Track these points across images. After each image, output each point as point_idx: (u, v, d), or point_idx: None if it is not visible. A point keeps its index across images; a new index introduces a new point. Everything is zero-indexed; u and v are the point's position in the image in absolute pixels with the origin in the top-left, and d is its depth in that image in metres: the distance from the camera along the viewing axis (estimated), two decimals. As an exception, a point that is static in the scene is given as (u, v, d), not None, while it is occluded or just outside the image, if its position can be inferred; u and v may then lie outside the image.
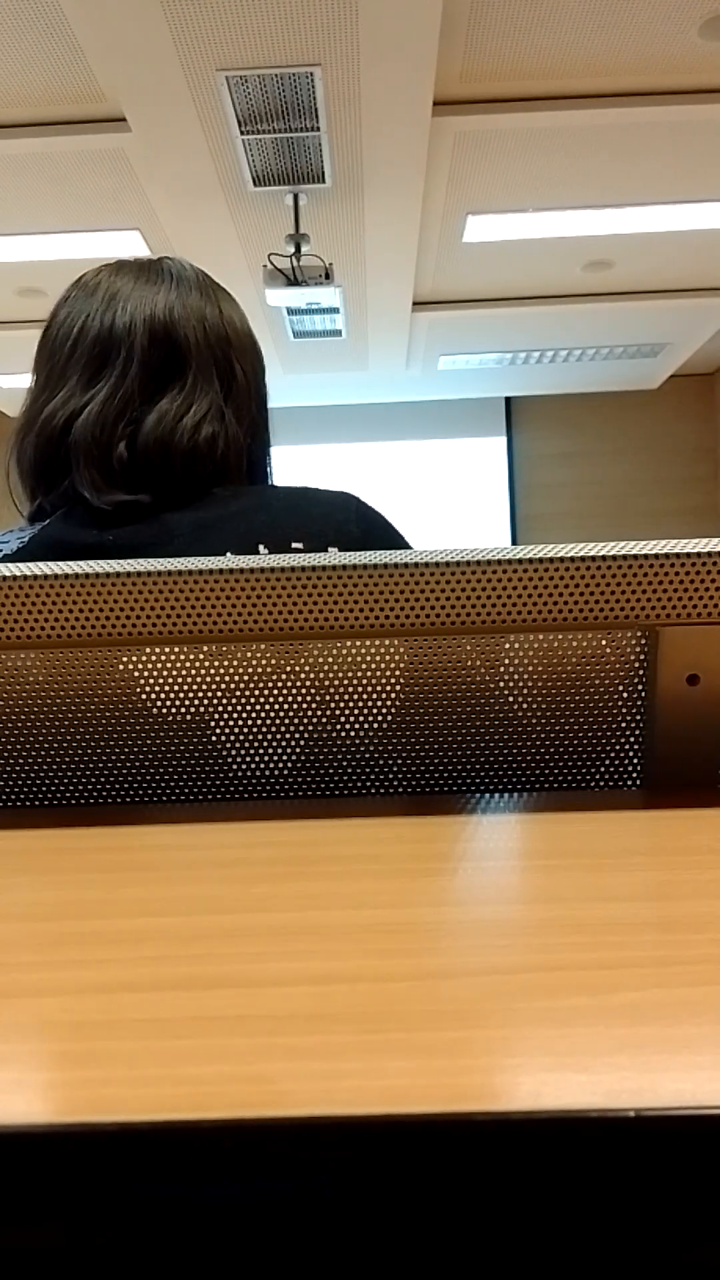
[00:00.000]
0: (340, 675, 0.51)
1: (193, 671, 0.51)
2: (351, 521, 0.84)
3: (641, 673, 0.51)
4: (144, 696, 0.52)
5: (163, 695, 0.52)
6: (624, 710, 0.51)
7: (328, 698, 0.51)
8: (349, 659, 0.51)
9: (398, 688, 0.52)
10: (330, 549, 0.82)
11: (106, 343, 0.87)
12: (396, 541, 0.88)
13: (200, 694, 0.51)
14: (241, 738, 0.52)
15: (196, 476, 0.87)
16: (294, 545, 0.81)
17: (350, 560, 0.46)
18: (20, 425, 0.90)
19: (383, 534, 0.86)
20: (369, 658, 0.51)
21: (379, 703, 0.52)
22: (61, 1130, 0.18)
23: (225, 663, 0.51)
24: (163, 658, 0.51)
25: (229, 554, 0.80)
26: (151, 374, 0.87)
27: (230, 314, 0.96)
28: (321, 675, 0.51)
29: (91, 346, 0.87)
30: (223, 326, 0.93)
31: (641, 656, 0.50)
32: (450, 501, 6.85)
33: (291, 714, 0.52)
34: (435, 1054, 0.21)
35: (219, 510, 0.84)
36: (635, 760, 0.52)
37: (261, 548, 0.81)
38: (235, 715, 0.52)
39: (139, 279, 0.92)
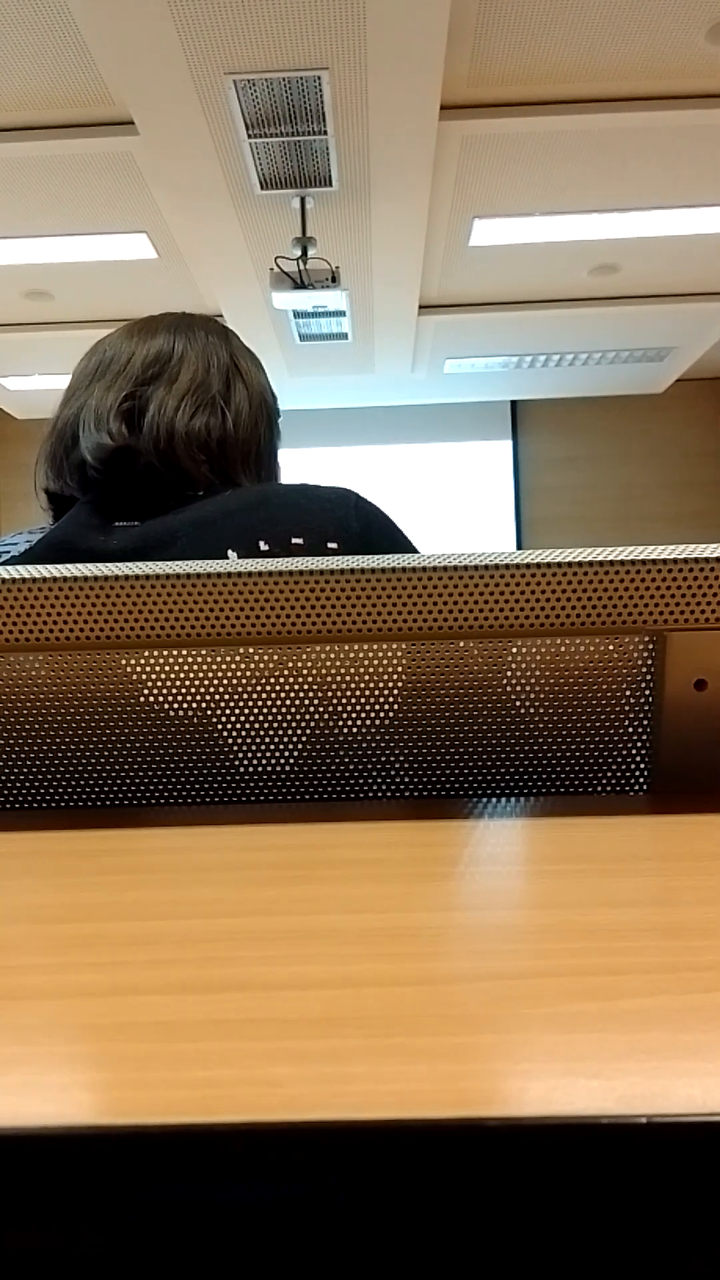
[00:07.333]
0: (345, 680, 0.51)
1: (197, 675, 0.51)
2: (351, 517, 0.84)
3: (649, 678, 0.50)
4: (148, 699, 0.52)
5: (167, 698, 0.52)
6: (631, 715, 0.51)
7: (333, 702, 0.51)
8: (354, 663, 0.51)
9: (404, 692, 0.52)
10: (330, 545, 0.82)
11: (112, 361, 0.95)
12: (396, 537, 0.88)
13: (205, 697, 0.52)
14: (245, 743, 0.52)
15: (194, 460, 0.89)
16: (294, 541, 0.82)
17: (355, 564, 0.46)
18: (42, 440, 0.98)
19: (382, 529, 0.86)
20: (374, 662, 0.51)
21: (384, 707, 0.52)
22: (71, 1133, 0.18)
23: (231, 666, 0.51)
24: (166, 661, 0.51)
25: (230, 552, 0.81)
26: (146, 366, 0.94)
27: (242, 360, 1.00)
28: (326, 679, 0.51)
29: (97, 365, 0.95)
30: (228, 358, 0.98)
31: (649, 661, 0.50)
32: (455, 505, 6.84)
33: (296, 718, 0.52)
34: (443, 1059, 0.21)
35: (219, 508, 0.85)
36: (642, 765, 0.52)
37: (262, 544, 0.81)
38: (239, 720, 0.52)
39: (147, 328, 0.99)
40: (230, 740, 0.53)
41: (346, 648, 0.50)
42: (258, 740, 0.52)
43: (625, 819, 0.46)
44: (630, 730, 0.52)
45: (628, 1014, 0.23)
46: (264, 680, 0.51)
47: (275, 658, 0.51)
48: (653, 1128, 0.18)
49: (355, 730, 0.52)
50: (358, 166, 3.32)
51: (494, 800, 0.51)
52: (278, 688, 0.51)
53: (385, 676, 0.51)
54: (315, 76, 2.77)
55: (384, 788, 0.53)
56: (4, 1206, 0.18)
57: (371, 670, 0.51)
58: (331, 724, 0.52)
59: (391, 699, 0.52)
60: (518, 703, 0.52)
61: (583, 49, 2.88)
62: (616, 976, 0.26)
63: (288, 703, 0.52)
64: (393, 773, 0.53)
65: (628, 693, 0.51)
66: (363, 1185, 0.18)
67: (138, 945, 0.29)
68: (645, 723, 0.51)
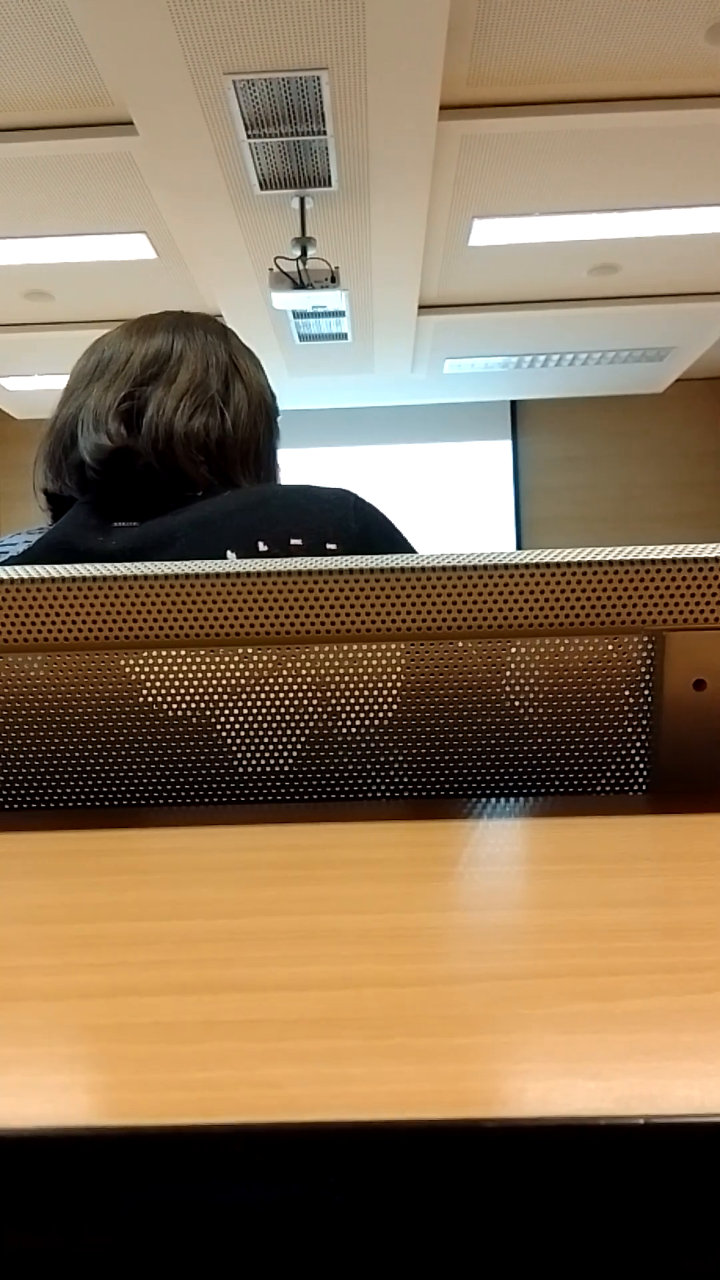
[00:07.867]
0: (344, 680, 0.51)
1: (196, 675, 0.51)
2: (350, 518, 0.84)
3: (648, 678, 0.50)
4: (147, 699, 0.52)
5: (166, 698, 0.52)
6: (630, 715, 0.51)
7: (332, 702, 0.52)
8: (353, 663, 0.51)
9: (403, 692, 0.52)
10: (329, 545, 0.82)
11: (110, 361, 0.95)
12: (395, 537, 0.88)
13: (204, 698, 0.52)
14: (245, 743, 0.52)
15: (193, 460, 0.89)
16: (293, 542, 0.82)
17: (354, 564, 0.46)
18: (41, 440, 0.98)
19: (381, 530, 0.86)
20: (373, 662, 0.51)
21: (383, 707, 0.52)
22: (70, 1134, 0.19)
23: (230, 666, 0.51)
24: (165, 661, 0.51)
25: (229, 552, 0.81)
26: (145, 366, 0.93)
27: (241, 360, 0.99)
28: (325, 680, 0.51)
29: (95, 365, 0.95)
30: (227, 357, 0.98)
31: (648, 661, 0.50)
32: (455, 505, 6.84)
33: (295, 719, 0.52)
34: (442, 1059, 0.21)
35: (218, 508, 0.85)
36: (641, 765, 0.52)
37: (261, 544, 0.81)
38: (238, 721, 0.52)
39: (146, 327, 0.99)
40: (230, 740, 0.53)
41: (345, 648, 0.50)
42: (257, 740, 0.52)
43: (625, 819, 0.46)
44: (629, 730, 0.52)
45: (627, 1014, 0.23)
46: (263, 680, 0.51)
47: (274, 658, 0.51)
48: (651, 1128, 0.18)
49: (354, 730, 0.52)
50: (357, 166, 3.32)
51: (494, 800, 0.51)
52: (277, 688, 0.51)
53: (384, 677, 0.51)
54: (315, 77, 2.77)
55: (384, 788, 0.53)
56: (4, 1206, 0.18)
57: (370, 671, 0.51)
58: (331, 724, 0.52)
59: (390, 699, 0.52)
60: (517, 703, 0.52)
61: (582, 49, 2.88)
62: (616, 977, 0.26)
63: (287, 703, 0.52)
64: (392, 773, 0.53)
65: (627, 693, 0.51)
66: (361, 1186, 0.18)
67: (138, 945, 0.30)
68: (644, 723, 0.51)
